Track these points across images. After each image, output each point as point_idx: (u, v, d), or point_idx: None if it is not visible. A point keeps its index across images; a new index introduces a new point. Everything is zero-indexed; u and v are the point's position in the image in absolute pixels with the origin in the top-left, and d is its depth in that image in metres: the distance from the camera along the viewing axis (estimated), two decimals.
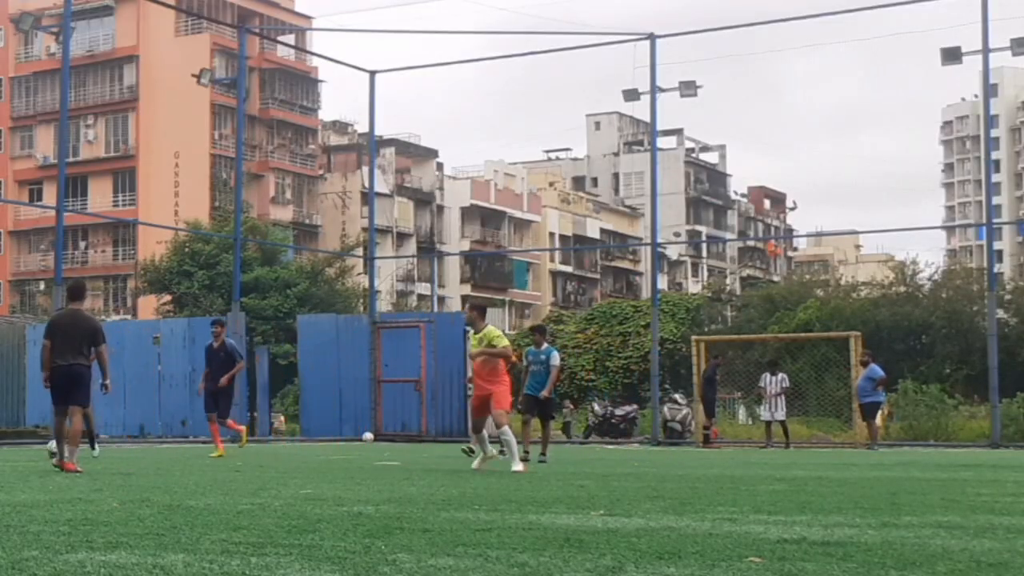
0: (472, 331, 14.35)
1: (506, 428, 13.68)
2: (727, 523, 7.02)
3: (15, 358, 29.82)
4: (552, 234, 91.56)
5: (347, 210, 77.15)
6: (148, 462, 15.55)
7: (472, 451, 16.55)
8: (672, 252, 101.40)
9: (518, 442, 14.51)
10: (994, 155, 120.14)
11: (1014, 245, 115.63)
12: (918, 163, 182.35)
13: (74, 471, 12.14)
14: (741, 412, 38.75)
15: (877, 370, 25.32)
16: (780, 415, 26.57)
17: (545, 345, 16.93)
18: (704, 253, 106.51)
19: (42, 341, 12.87)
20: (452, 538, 6.05)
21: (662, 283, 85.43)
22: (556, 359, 16.69)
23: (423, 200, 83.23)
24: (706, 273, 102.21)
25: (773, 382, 26.50)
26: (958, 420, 31.14)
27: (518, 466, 13.47)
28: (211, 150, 70.36)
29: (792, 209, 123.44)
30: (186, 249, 52.23)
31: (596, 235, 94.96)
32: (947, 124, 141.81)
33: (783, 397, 26.59)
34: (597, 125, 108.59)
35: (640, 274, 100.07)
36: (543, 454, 16.50)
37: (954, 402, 31.78)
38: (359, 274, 59.41)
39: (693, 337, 32.74)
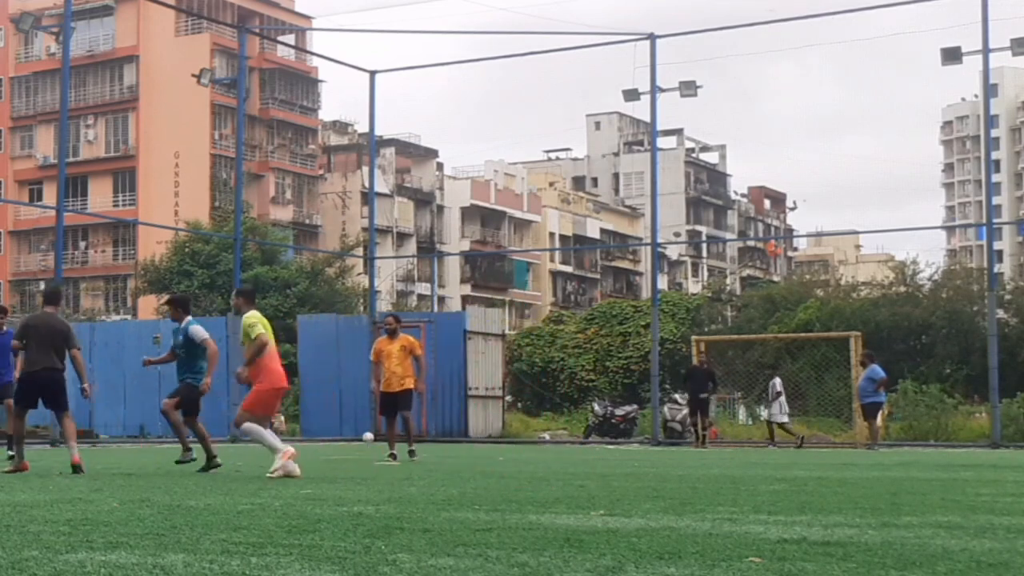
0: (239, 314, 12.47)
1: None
2: (727, 523, 7.02)
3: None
4: (552, 234, 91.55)
5: (347, 210, 77.15)
6: (148, 462, 15.55)
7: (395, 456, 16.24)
8: (672, 252, 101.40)
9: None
10: (994, 155, 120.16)
11: (1014, 245, 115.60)
12: (918, 163, 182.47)
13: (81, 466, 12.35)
14: (741, 412, 38.73)
15: (878, 371, 25.36)
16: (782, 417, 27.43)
17: (187, 320, 13.08)
18: (704, 253, 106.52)
19: (12, 342, 12.66)
20: (452, 538, 6.05)
21: (662, 283, 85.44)
22: (201, 333, 12.88)
23: (423, 200, 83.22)
24: (706, 273, 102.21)
25: (778, 384, 27.20)
26: (958, 420, 31.11)
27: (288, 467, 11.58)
28: (211, 150, 70.36)
29: (792, 209, 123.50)
30: (186, 249, 52.22)
31: (596, 235, 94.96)
32: (947, 124, 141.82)
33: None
34: (597, 125, 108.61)
35: (640, 274, 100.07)
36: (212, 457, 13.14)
37: (954, 402, 31.74)
38: (359, 274, 59.39)
39: (693, 337, 32.77)
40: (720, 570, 4.97)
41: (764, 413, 28.19)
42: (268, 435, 12.00)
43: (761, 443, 27.54)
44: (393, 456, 16.16)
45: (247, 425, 11.90)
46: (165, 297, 53.38)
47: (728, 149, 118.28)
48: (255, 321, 12.13)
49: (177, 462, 13.49)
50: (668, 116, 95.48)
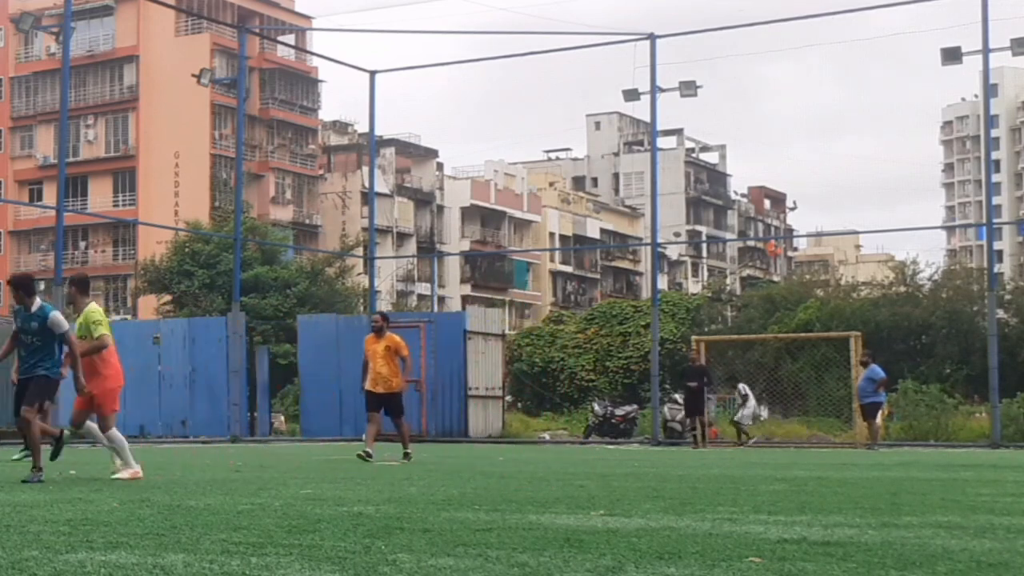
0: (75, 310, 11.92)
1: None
2: (727, 523, 7.02)
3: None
4: (552, 234, 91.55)
5: (347, 210, 77.14)
6: (148, 462, 15.54)
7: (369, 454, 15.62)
8: (672, 252, 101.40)
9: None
10: (994, 155, 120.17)
11: (1014, 245, 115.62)
12: (918, 163, 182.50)
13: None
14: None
15: (878, 371, 25.36)
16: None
17: (38, 303, 11.08)
18: (704, 253, 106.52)
19: None
20: (452, 538, 6.05)
21: (662, 283, 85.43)
22: (64, 324, 11.03)
23: (423, 200, 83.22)
24: (706, 273, 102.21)
25: (743, 388, 27.93)
26: (958, 420, 31.11)
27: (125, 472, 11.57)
28: (211, 150, 70.35)
29: (792, 209, 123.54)
30: (186, 249, 52.21)
31: (596, 235, 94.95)
32: (947, 124, 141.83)
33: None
34: (597, 125, 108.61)
35: (640, 274, 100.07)
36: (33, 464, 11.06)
37: (954, 402, 31.75)
38: (359, 274, 59.40)
39: (693, 337, 32.78)
40: (720, 570, 4.97)
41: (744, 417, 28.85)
42: (128, 449, 11.80)
43: (761, 443, 27.58)
44: (368, 454, 15.55)
45: (112, 433, 11.60)
46: (165, 297, 53.20)
47: (728, 149, 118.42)
48: (101, 319, 11.73)
49: (25, 481, 10.80)
50: (668, 116, 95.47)
